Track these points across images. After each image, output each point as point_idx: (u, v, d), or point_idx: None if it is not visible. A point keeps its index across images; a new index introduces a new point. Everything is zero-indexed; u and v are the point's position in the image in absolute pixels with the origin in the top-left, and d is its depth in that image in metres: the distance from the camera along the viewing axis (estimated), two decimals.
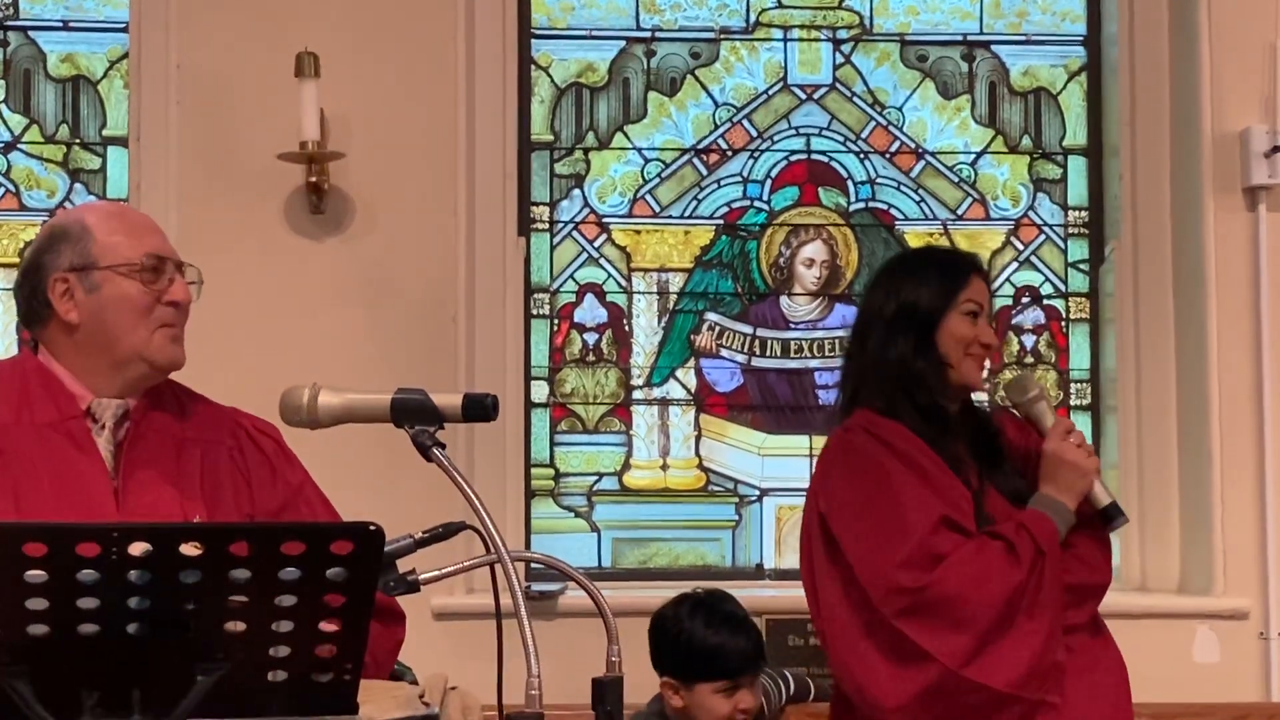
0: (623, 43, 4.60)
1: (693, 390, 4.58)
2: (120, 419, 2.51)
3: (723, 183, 4.61)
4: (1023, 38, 4.68)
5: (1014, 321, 4.62)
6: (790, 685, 3.80)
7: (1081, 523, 3.00)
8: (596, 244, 4.58)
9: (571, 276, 4.57)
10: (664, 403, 4.57)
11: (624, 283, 4.58)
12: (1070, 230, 4.65)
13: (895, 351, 3.03)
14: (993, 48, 4.67)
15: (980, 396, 3.36)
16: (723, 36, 4.63)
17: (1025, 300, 4.63)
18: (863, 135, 4.64)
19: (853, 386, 3.11)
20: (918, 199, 4.63)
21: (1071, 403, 4.57)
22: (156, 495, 2.46)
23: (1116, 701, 3.02)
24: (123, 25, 4.40)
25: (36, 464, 2.44)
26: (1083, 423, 4.49)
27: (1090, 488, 3.00)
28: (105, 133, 4.47)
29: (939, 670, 2.84)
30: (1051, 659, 2.90)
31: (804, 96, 4.64)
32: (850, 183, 4.63)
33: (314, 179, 4.20)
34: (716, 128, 4.62)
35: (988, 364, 3.16)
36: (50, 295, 2.50)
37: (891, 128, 4.64)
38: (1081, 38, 4.67)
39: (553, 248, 4.56)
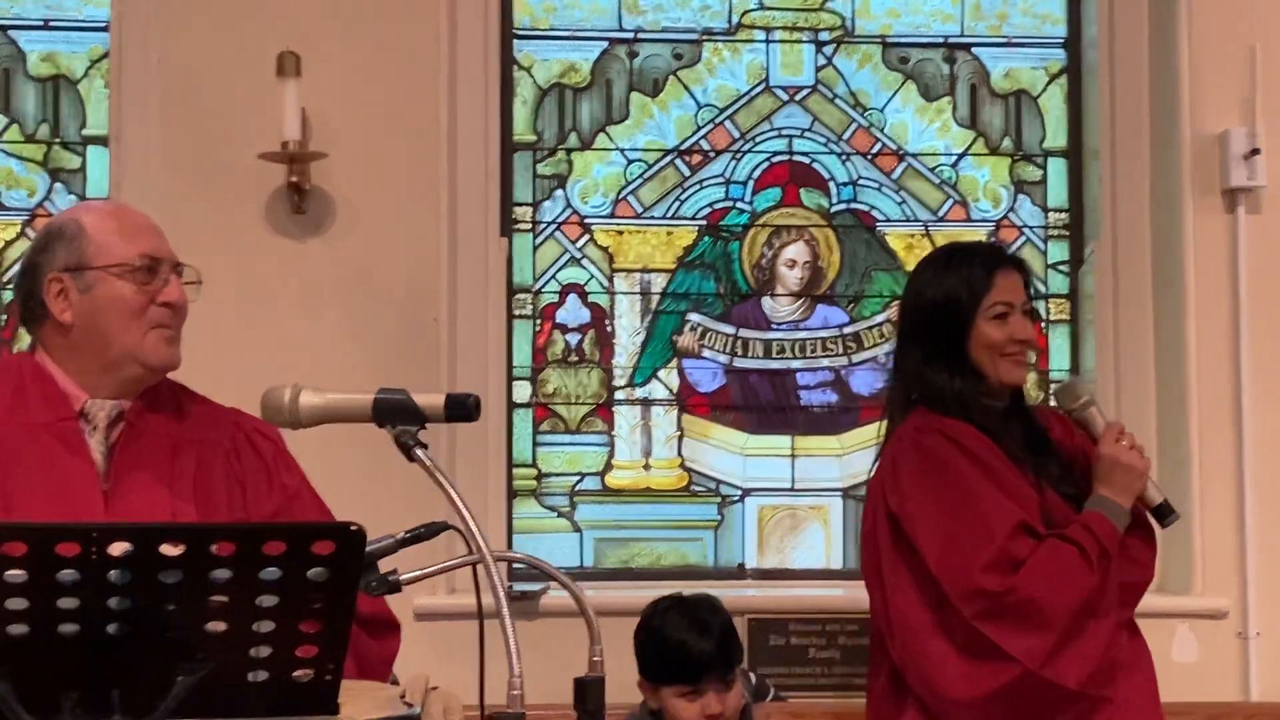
0: (605, 43, 4.60)
1: (675, 390, 4.58)
2: (114, 420, 2.50)
3: (705, 184, 4.61)
4: (1003, 40, 4.69)
5: None
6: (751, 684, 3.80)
7: (1133, 523, 3.07)
8: (579, 244, 4.57)
9: (554, 277, 4.56)
10: (646, 403, 4.57)
11: (606, 283, 4.58)
12: (1050, 232, 4.66)
13: (931, 374, 3.06)
14: (974, 50, 4.68)
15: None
16: (705, 38, 4.63)
17: None
18: (844, 137, 4.64)
19: (905, 388, 3.13)
20: (899, 200, 4.64)
21: (1051, 404, 4.57)
22: (146, 497, 2.45)
23: (1154, 697, 3.10)
24: (103, 25, 4.38)
25: (28, 464, 2.43)
26: None
27: (1144, 488, 3.06)
28: (85, 132, 4.45)
29: (1019, 671, 2.90)
30: (1112, 656, 2.99)
31: (786, 98, 4.64)
32: (832, 184, 4.64)
33: (295, 179, 4.19)
34: (699, 129, 4.62)
35: (1032, 356, 3.18)
36: (45, 295, 2.50)
37: (873, 129, 4.65)
38: (1062, 40, 4.68)
39: (535, 248, 4.55)
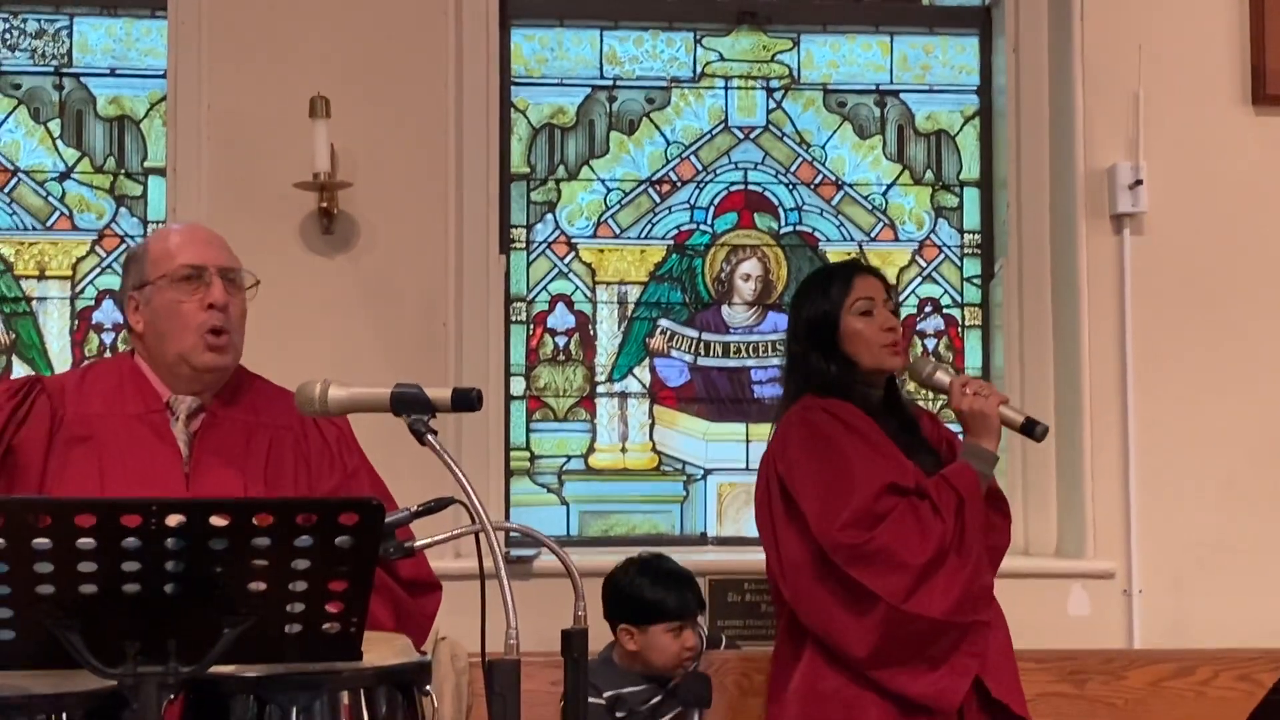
0: (589, 89, 4.60)
1: (647, 385, 4.58)
2: (194, 412, 2.50)
3: (673, 209, 4.62)
4: (926, 87, 4.70)
5: (919, 327, 4.64)
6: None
7: (990, 498, 3.05)
8: (566, 261, 4.57)
9: (545, 288, 4.56)
10: (623, 395, 4.57)
11: (589, 294, 4.58)
12: (966, 250, 4.68)
13: (813, 364, 3.09)
14: (901, 96, 4.69)
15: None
16: (673, 85, 4.64)
17: (928, 310, 4.65)
18: (791, 169, 4.65)
19: (795, 384, 3.16)
20: (837, 223, 4.65)
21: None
22: (222, 477, 2.45)
23: (1009, 650, 3.08)
24: (161, 73, 4.37)
25: (122, 449, 2.44)
26: None
27: (1007, 417, 3.04)
28: (146, 164, 4.43)
29: (885, 608, 2.89)
30: (980, 585, 2.96)
31: (742, 136, 4.65)
32: (781, 209, 4.64)
33: (325, 205, 4.18)
34: (668, 162, 4.62)
35: (900, 345, 3.18)
36: (126, 311, 2.53)
37: (816, 163, 4.65)
38: (975, 87, 4.69)
39: (529, 264, 4.55)
